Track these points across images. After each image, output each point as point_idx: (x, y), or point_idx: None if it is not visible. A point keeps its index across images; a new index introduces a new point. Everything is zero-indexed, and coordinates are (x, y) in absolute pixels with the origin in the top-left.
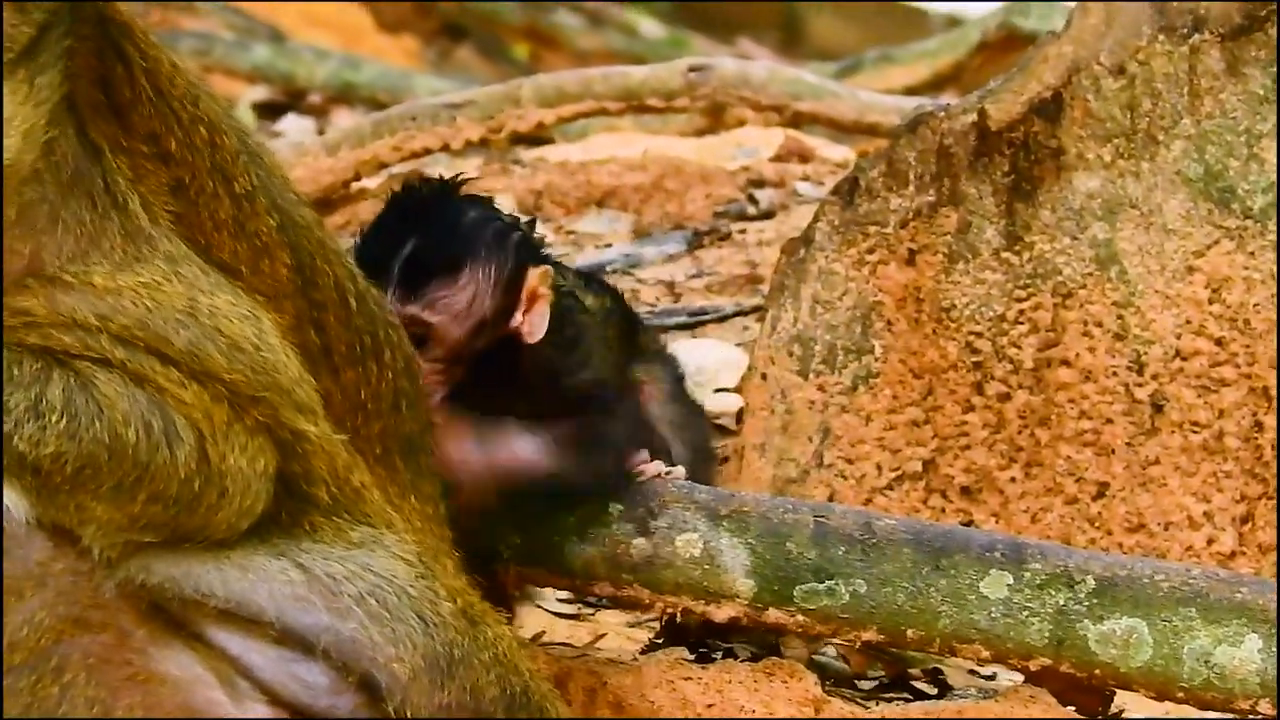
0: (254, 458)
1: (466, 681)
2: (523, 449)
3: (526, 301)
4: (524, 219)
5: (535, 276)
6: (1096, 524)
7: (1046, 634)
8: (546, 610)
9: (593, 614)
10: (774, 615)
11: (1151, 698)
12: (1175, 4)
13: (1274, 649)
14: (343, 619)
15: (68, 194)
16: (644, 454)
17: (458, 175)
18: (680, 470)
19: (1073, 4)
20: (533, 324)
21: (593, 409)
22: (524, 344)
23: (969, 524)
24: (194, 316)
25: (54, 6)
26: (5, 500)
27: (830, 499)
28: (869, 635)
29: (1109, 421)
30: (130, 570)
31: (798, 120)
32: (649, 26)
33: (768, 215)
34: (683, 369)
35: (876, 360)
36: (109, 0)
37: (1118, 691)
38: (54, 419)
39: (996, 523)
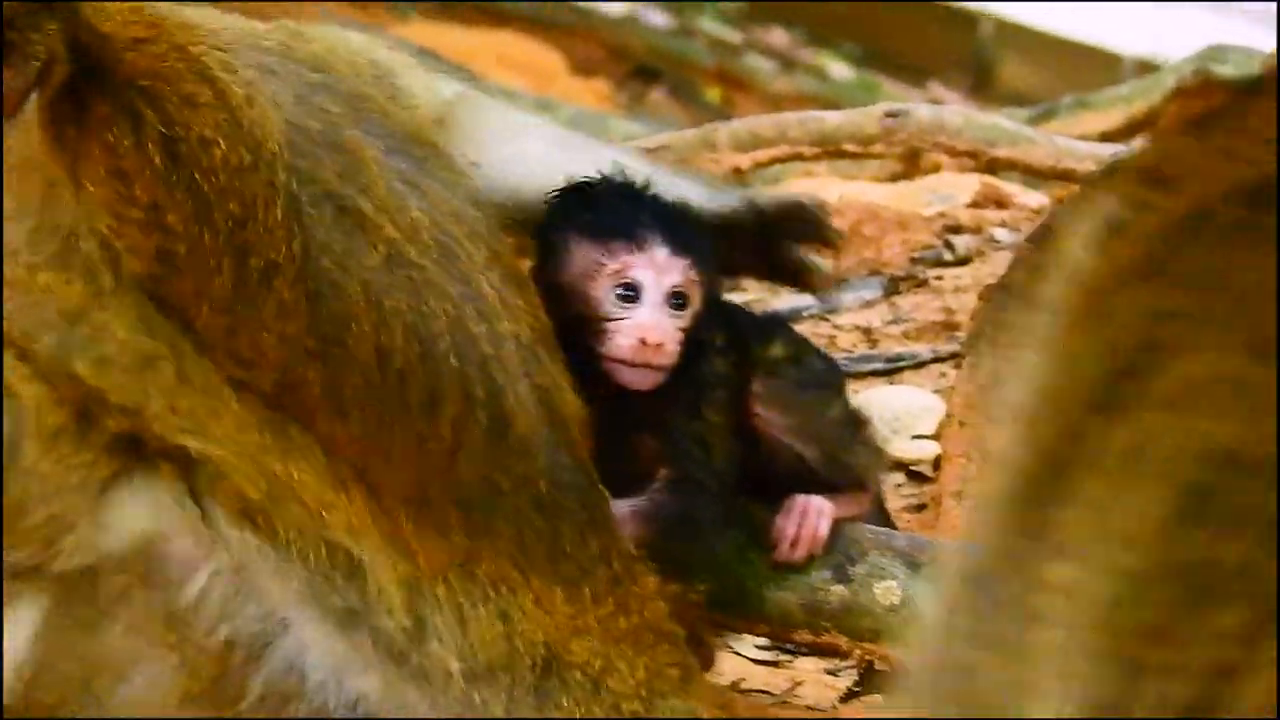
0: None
1: None
2: None
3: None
4: None
5: None
6: None
7: None
8: (744, 656)
9: (791, 661)
10: None
11: None
12: None
13: None
14: None
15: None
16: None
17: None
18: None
19: (1271, 50)
20: None
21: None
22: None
23: None
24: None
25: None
26: None
27: None
28: None
29: None
30: None
31: (993, 166)
32: (839, 69)
33: (964, 261)
34: (806, 370)
35: None
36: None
37: None
38: None
39: None
